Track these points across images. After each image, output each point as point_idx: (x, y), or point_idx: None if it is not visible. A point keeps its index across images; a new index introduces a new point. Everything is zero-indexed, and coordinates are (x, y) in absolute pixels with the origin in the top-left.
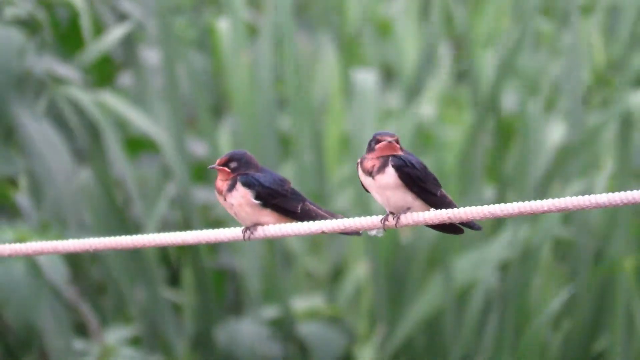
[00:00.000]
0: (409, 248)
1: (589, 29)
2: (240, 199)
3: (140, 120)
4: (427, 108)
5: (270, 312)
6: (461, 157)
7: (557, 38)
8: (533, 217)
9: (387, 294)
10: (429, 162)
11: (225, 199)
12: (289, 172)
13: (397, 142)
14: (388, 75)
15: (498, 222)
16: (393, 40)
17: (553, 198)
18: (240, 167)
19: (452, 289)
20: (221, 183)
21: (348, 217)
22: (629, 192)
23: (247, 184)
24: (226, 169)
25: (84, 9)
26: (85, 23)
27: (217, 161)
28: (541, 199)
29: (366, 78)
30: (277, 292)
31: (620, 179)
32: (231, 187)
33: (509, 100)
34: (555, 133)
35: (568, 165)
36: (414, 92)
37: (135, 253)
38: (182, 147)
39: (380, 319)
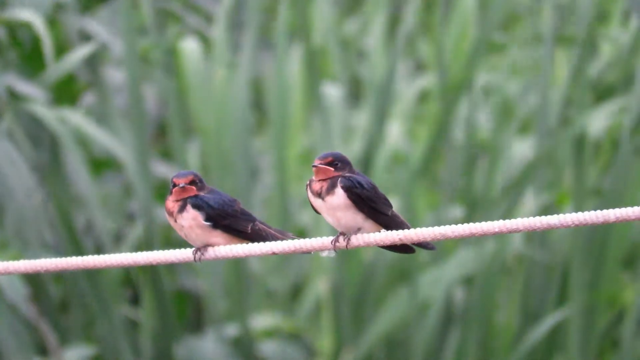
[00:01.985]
0: (370, 265)
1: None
2: (191, 220)
3: (104, 138)
4: (394, 126)
5: (231, 330)
6: (421, 172)
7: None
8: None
9: (349, 310)
10: (393, 180)
11: (175, 220)
12: (253, 192)
13: (334, 163)
14: (356, 91)
15: (463, 240)
16: (361, 57)
17: (518, 217)
18: (201, 188)
19: (415, 305)
20: (172, 204)
21: (308, 235)
22: (579, 213)
23: (196, 206)
24: (194, 188)
25: (44, 31)
26: (47, 44)
27: (181, 180)
28: (507, 216)
29: (333, 92)
30: (237, 311)
31: (577, 198)
32: (181, 209)
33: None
34: (521, 152)
35: (530, 182)
36: (381, 111)
37: (95, 273)
38: (145, 167)
39: (343, 335)
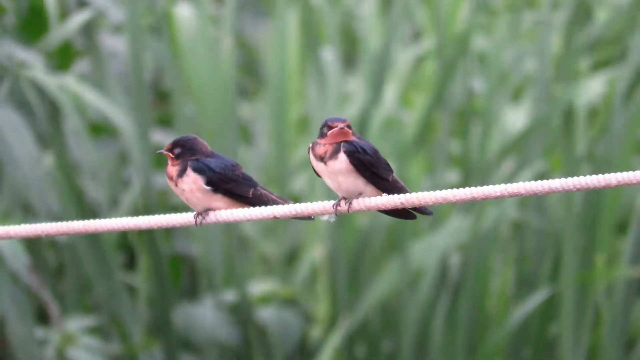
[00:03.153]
0: (365, 232)
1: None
2: (192, 184)
3: (103, 105)
4: (389, 92)
5: (228, 296)
6: (418, 138)
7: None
8: (496, 200)
9: (344, 277)
10: (389, 146)
11: (176, 185)
12: (247, 158)
13: (349, 127)
14: (350, 55)
15: (457, 206)
16: (356, 21)
17: (512, 182)
18: (184, 153)
19: (408, 272)
20: (172, 169)
21: (303, 201)
22: (581, 177)
23: (197, 170)
24: (170, 154)
25: None
26: (52, 7)
27: (166, 146)
28: (502, 182)
29: (329, 56)
30: (234, 277)
31: (567, 165)
32: (182, 173)
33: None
34: (517, 119)
35: (525, 149)
36: (376, 77)
37: (93, 239)
38: (145, 133)
39: (339, 302)
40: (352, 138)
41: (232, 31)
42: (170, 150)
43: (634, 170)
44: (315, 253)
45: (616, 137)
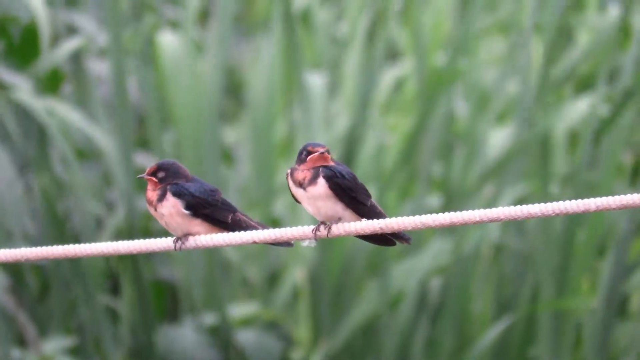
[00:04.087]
0: (346, 255)
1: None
2: (171, 208)
3: (87, 128)
4: (372, 116)
5: (208, 319)
6: (401, 162)
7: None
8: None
9: (325, 299)
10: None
11: (155, 209)
12: (229, 181)
13: (328, 152)
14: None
15: (438, 229)
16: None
17: (494, 206)
18: (168, 177)
19: (389, 295)
20: (151, 193)
21: (284, 225)
22: (560, 202)
23: (177, 194)
24: (153, 178)
25: (44, 18)
26: (45, 33)
27: (146, 170)
28: (484, 206)
29: (314, 79)
30: (215, 300)
31: (545, 190)
32: (161, 197)
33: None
34: (499, 142)
35: (507, 173)
36: (360, 101)
37: (75, 263)
38: (128, 157)
39: (322, 325)
40: (331, 163)
41: (216, 56)
42: (154, 174)
43: (615, 194)
44: (297, 276)
45: (598, 161)
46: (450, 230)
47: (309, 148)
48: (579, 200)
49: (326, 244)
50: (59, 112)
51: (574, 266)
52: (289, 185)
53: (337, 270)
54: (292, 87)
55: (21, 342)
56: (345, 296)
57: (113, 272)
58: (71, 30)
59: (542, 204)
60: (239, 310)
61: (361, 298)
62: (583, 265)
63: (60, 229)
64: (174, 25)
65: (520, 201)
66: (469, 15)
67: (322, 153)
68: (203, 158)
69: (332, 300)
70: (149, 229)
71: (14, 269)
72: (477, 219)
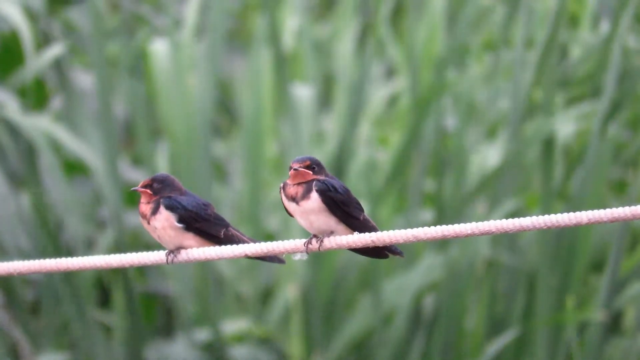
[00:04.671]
0: (339, 270)
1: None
2: (164, 222)
3: (75, 144)
4: (364, 130)
5: (201, 335)
6: (392, 177)
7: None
8: (469, 238)
9: (318, 315)
10: (363, 184)
11: (148, 223)
12: (222, 196)
13: (310, 167)
14: (326, 94)
15: (430, 244)
16: (332, 59)
17: (487, 220)
18: (163, 189)
19: (381, 311)
20: (145, 206)
21: (277, 240)
22: (552, 215)
23: (170, 207)
24: (148, 191)
25: (25, 26)
26: (27, 40)
27: (140, 184)
28: (475, 221)
29: (303, 93)
30: (208, 315)
31: (545, 201)
32: (154, 211)
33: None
34: (490, 157)
35: (499, 187)
36: (351, 116)
37: (67, 279)
38: (114, 171)
39: (314, 340)
40: (320, 177)
41: (207, 70)
42: (148, 186)
43: (607, 208)
44: (289, 292)
45: (589, 175)
46: (442, 245)
47: (291, 164)
48: (571, 213)
49: (318, 259)
50: (45, 128)
51: (569, 282)
52: (282, 200)
53: (329, 285)
54: (281, 101)
55: (15, 357)
56: (338, 311)
57: (104, 286)
58: (54, 41)
59: (534, 217)
60: (232, 326)
61: (354, 313)
62: (578, 281)
63: (53, 244)
64: (166, 35)
65: (513, 215)
66: (457, 29)
67: (297, 170)
68: (195, 173)
69: (324, 316)
70: (140, 245)
71: (6, 284)
72: (469, 231)
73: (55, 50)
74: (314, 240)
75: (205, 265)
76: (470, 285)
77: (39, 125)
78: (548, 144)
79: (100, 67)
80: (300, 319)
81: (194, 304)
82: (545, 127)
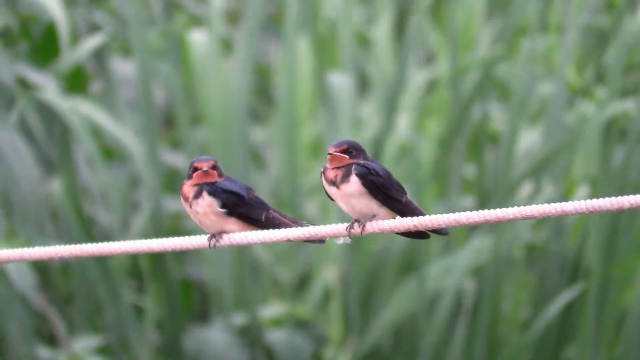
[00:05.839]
0: (379, 254)
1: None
2: (206, 207)
3: (114, 128)
4: (403, 118)
5: (238, 319)
6: (435, 165)
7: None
8: (510, 223)
9: (357, 299)
10: (404, 172)
11: (190, 206)
12: (259, 182)
13: (348, 150)
14: (364, 84)
15: (472, 228)
16: (370, 49)
17: (530, 204)
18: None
19: (424, 295)
20: (188, 189)
21: (315, 224)
22: (594, 200)
23: (212, 193)
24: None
25: (61, 18)
26: (64, 31)
27: (204, 164)
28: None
29: (341, 81)
30: (245, 300)
31: (603, 186)
32: (197, 195)
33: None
34: (530, 142)
35: (543, 172)
36: (389, 102)
37: (103, 263)
38: (154, 156)
39: (352, 324)
40: (360, 160)
41: (246, 56)
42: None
43: None
44: (328, 275)
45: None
46: (487, 230)
47: (329, 149)
48: (612, 198)
49: (358, 242)
50: (84, 111)
51: (617, 263)
52: (322, 184)
53: (368, 268)
54: (319, 88)
55: (51, 340)
56: (377, 295)
57: (139, 271)
58: (95, 29)
59: (576, 202)
60: (270, 310)
61: (393, 298)
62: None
63: (86, 231)
64: (203, 23)
65: (557, 200)
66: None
67: (332, 154)
68: (233, 158)
69: (363, 300)
70: (177, 229)
71: (43, 268)
72: (511, 216)
73: (96, 40)
74: (356, 225)
75: (242, 250)
76: (512, 271)
77: (79, 108)
78: (608, 127)
79: (141, 53)
80: (339, 302)
81: (231, 289)
82: (608, 108)
